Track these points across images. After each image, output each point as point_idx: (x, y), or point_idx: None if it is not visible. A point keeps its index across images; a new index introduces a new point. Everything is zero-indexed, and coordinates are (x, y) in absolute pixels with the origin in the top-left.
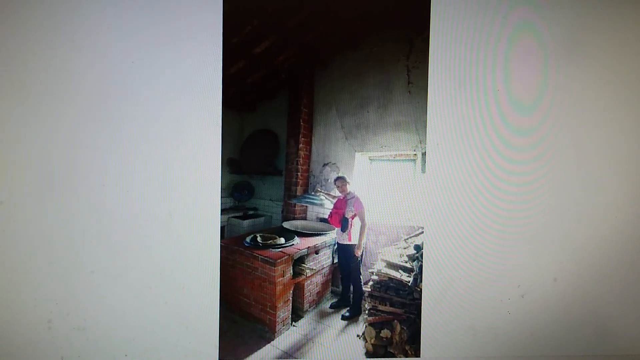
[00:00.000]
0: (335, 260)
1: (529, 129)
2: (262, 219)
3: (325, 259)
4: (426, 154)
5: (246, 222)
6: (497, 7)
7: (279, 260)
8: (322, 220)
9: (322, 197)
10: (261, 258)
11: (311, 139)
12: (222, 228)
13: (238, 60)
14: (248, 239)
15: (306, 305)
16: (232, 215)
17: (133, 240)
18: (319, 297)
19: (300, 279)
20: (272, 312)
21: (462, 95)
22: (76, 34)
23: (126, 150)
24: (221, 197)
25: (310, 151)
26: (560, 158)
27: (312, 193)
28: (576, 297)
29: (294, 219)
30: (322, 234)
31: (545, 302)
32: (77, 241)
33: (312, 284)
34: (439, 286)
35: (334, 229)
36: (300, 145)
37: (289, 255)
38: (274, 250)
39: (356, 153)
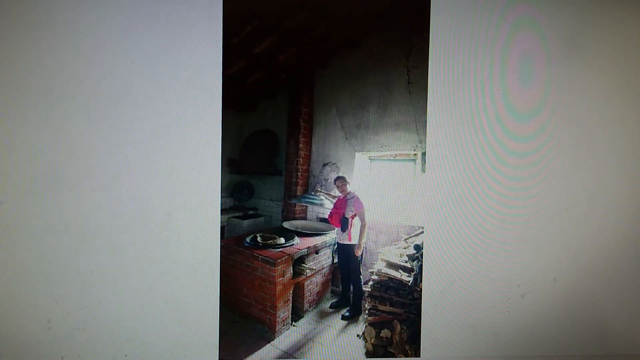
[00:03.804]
0: (335, 260)
1: (529, 128)
2: (262, 219)
3: (325, 259)
4: (426, 153)
5: (246, 222)
6: (497, 6)
7: (279, 260)
8: (322, 220)
9: (322, 197)
10: (261, 258)
11: (311, 139)
12: (222, 228)
13: (238, 60)
14: (248, 239)
15: (306, 305)
16: (232, 215)
17: (133, 240)
18: (319, 297)
19: (300, 279)
20: (272, 312)
21: (462, 95)
22: (76, 34)
23: (126, 150)
24: (221, 197)
25: (310, 151)
26: (561, 158)
27: (312, 193)
28: (576, 297)
29: (294, 219)
30: (322, 233)
31: (545, 302)
32: (77, 241)
33: (312, 284)
34: (439, 286)
35: (334, 229)
36: (300, 145)
37: (289, 255)
38: (274, 250)
39: (356, 153)
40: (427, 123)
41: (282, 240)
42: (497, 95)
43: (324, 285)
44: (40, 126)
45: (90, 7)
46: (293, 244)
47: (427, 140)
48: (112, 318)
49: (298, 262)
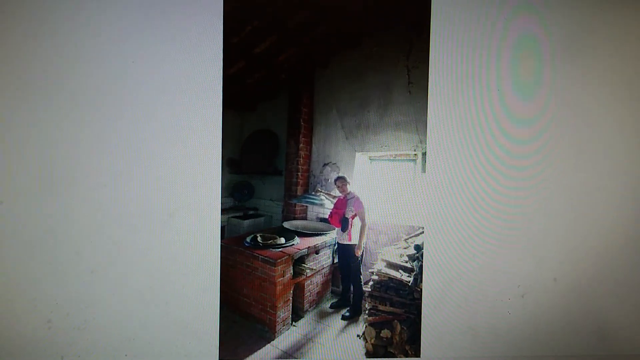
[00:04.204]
0: (336, 260)
1: (529, 128)
2: (262, 219)
3: (325, 259)
4: (426, 153)
5: (246, 222)
6: (497, 6)
7: (279, 260)
8: (322, 220)
9: (322, 197)
10: (261, 258)
11: (311, 139)
12: (222, 228)
13: (238, 60)
14: (248, 239)
15: (306, 305)
16: (232, 215)
17: (133, 240)
18: (319, 297)
19: (300, 279)
20: (272, 312)
21: (462, 95)
22: (76, 35)
23: (126, 150)
24: (221, 197)
25: (310, 151)
26: (560, 158)
27: (312, 193)
28: (576, 297)
29: (294, 219)
30: (322, 234)
31: (545, 302)
32: (77, 241)
33: (312, 284)
34: (439, 286)
35: (334, 229)
36: (301, 145)
37: (289, 255)
38: (274, 250)
39: (356, 153)
40: (428, 123)
41: (282, 240)
42: (497, 95)
43: (324, 285)
44: (41, 126)
45: (90, 8)
46: (293, 244)
47: (427, 140)
48: (112, 318)
49: (298, 262)
